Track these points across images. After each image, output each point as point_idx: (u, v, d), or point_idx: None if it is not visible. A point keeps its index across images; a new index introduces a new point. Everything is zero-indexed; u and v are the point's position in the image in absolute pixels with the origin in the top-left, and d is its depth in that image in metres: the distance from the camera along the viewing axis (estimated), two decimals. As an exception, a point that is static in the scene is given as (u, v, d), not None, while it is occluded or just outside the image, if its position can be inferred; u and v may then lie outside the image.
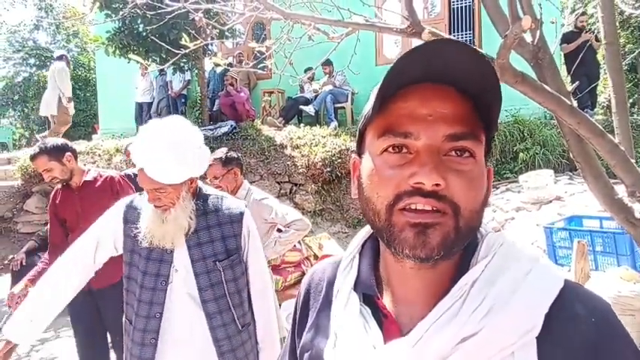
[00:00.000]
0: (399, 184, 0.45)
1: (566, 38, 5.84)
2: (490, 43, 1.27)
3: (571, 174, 4.82)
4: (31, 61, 13.26)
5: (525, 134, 5.28)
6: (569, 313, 0.43)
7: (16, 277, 3.97)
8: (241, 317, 1.42)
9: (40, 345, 3.42)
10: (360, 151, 0.54)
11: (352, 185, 0.55)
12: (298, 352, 0.59)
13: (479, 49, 0.43)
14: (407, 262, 0.47)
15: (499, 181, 4.95)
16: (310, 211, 5.27)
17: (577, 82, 1.88)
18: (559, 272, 0.46)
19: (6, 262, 5.57)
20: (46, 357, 3.21)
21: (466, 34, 6.90)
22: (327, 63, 6.44)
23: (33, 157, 2.18)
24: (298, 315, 0.63)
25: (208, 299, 1.37)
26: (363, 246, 0.58)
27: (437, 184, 0.43)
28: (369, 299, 0.52)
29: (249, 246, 1.46)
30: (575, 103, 1.40)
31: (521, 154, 5.02)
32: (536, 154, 4.98)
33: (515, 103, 5.41)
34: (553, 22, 1.78)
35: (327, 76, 6.69)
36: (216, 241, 1.39)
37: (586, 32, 5.93)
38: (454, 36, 6.90)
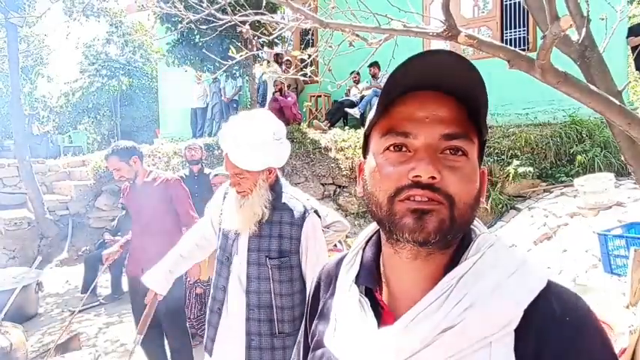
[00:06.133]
0: (399, 178, 0.49)
1: (634, 31, 5.39)
2: (544, 41, 1.25)
3: (637, 178, 4.43)
4: (103, 72, 14.55)
5: (584, 135, 4.93)
6: (547, 310, 0.46)
7: (91, 269, 4.53)
8: (280, 322, 1.40)
9: (105, 328, 3.80)
10: (365, 155, 0.58)
11: (357, 185, 0.59)
12: (310, 339, 0.65)
13: (468, 59, 0.48)
14: (404, 253, 0.51)
15: (553, 184, 4.66)
16: (353, 213, 5.31)
17: (628, 82, 1.77)
18: (543, 274, 0.49)
19: (80, 253, 6.22)
20: (110, 339, 3.57)
21: (520, 32, 6.59)
22: (373, 64, 6.50)
23: (107, 157, 2.48)
24: (310, 306, 0.69)
25: (253, 290, 1.40)
26: (367, 243, 0.62)
27: (433, 177, 0.47)
28: (370, 292, 0.56)
29: (308, 254, 1.42)
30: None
31: (578, 157, 4.69)
32: (596, 156, 4.63)
33: (573, 103, 5.06)
34: (602, 19, 1.70)
35: (372, 77, 6.74)
36: (274, 237, 1.41)
37: (657, 24, 5.43)
38: (507, 34, 6.61)
